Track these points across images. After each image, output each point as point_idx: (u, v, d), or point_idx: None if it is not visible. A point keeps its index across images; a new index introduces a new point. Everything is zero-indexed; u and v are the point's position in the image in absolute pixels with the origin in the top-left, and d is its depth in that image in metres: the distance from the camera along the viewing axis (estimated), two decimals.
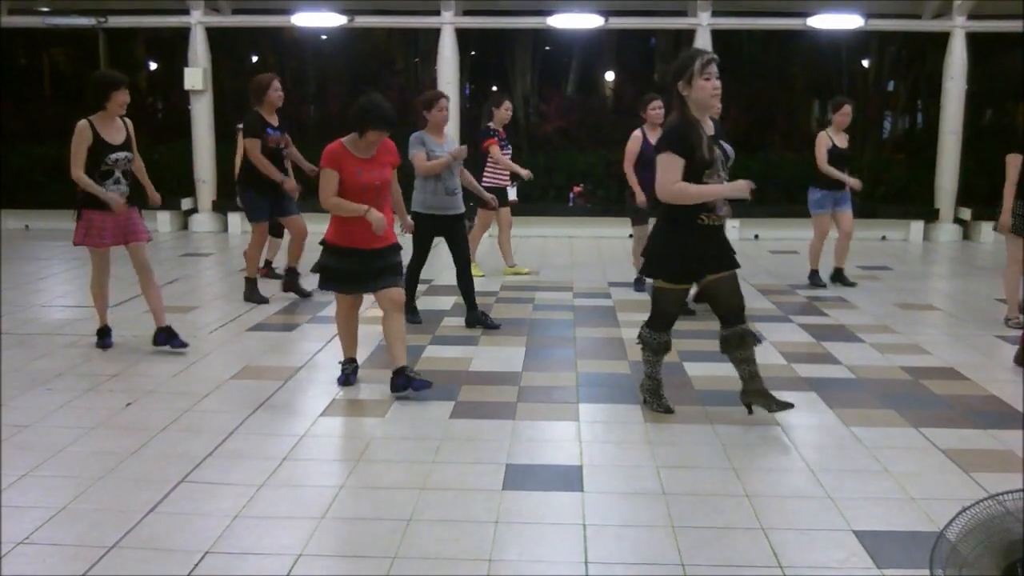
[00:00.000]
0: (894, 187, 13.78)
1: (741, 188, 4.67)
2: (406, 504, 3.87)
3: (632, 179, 8.45)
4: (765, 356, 6.33)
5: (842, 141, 8.87)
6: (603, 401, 5.36)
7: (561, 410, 5.19)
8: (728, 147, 4.80)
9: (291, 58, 17.38)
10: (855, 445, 4.66)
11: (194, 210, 13.78)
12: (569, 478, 4.19)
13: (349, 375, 5.69)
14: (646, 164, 8.20)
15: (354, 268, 5.41)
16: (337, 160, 5.29)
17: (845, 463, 4.46)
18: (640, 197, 8.35)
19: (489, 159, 9.07)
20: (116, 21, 13.65)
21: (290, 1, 13.19)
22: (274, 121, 8.00)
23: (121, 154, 6.21)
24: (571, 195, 13.54)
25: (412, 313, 7.18)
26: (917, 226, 13.36)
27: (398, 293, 5.48)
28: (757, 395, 4.94)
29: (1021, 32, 12.55)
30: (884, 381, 5.79)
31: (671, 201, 4.70)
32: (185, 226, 13.74)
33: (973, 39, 13.25)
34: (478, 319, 7.14)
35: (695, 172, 4.62)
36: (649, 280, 5.33)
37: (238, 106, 16.24)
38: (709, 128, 4.74)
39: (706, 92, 4.60)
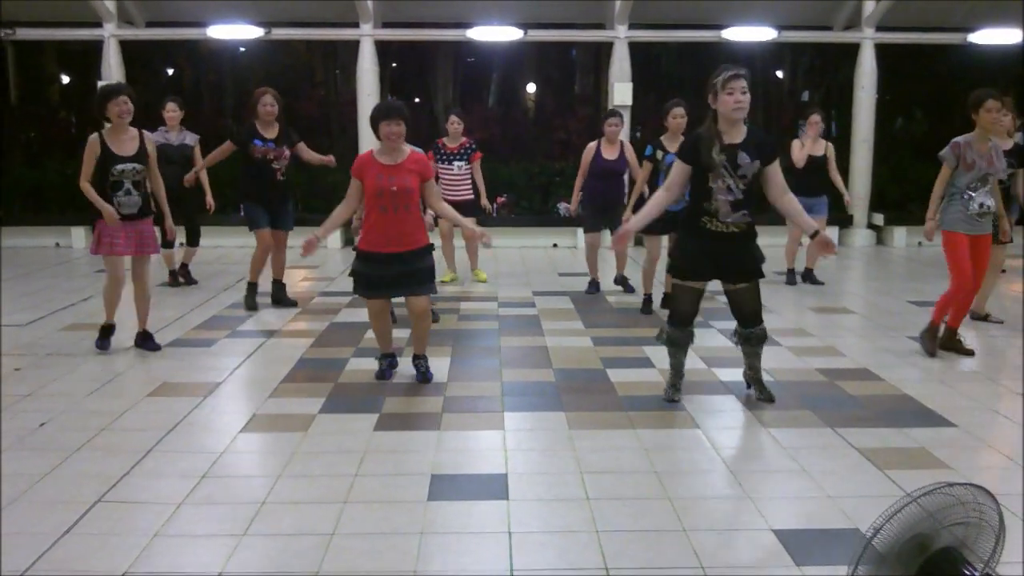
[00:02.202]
0: None
1: (627, 230, 5.44)
2: (329, 519, 3.83)
3: (576, 186, 8.95)
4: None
5: (819, 149, 9.51)
6: (528, 409, 5.37)
7: (486, 419, 5.19)
8: (745, 155, 5.08)
9: (208, 71, 17.07)
10: (773, 446, 4.75)
11: None
12: (494, 487, 4.20)
13: (385, 370, 6.06)
14: (595, 174, 8.77)
15: (376, 272, 5.68)
16: (360, 168, 5.66)
17: (763, 463, 4.56)
18: (572, 205, 9.08)
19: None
20: (25, 34, 13.29)
21: (206, 12, 13.00)
22: (269, 134, 8.17)
23: (129, 165, 6.42)
24: (494, 206, 13.58)
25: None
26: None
27: (417, 304, 5.77)
28: (755, 382, 5.59)
29: (928, 43, 12.97)
30: (800, 383, 5.92)
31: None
32: None
33: (882, 49, 13.66)
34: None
35: (700, 174, 5.14)
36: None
37: (152, 121, 15.97)
38: (739, 135, 5.10)
39: (728, 106, 5.00)
